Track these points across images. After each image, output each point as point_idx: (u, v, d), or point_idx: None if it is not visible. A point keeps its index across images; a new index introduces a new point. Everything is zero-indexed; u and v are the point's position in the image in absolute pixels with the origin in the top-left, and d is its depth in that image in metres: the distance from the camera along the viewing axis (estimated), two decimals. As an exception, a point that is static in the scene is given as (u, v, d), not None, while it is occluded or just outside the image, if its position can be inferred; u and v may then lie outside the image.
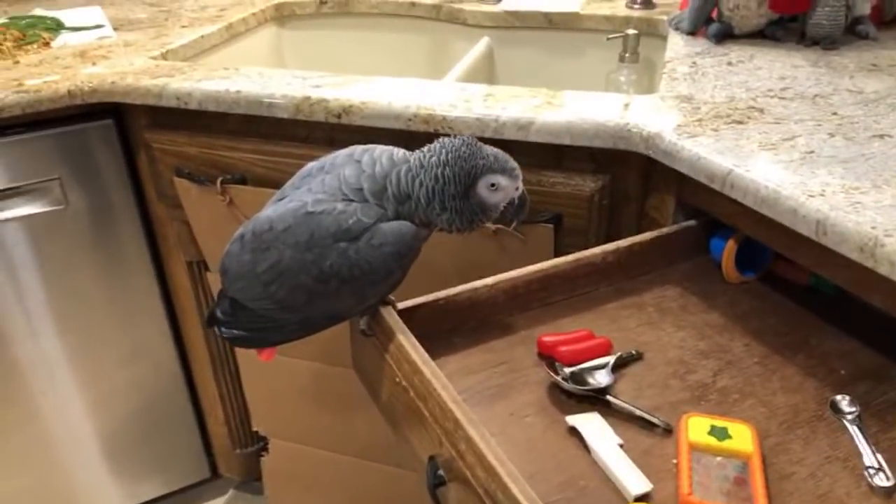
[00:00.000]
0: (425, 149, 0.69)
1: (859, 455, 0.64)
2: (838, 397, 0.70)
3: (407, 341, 0.65)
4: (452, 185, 0.67)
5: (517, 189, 0.71)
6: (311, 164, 0.73)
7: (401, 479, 1.31)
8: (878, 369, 0.75)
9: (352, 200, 0.67)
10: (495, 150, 0.70)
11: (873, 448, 0.64)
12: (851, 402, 0.69)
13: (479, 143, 0.70)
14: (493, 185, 0.69)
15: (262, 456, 1.48)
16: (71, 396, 1.34)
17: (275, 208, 0.70)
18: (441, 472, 0.59)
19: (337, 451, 1.37)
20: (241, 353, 1.36)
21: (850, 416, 0.68)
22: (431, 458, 0.60)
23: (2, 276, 1.19)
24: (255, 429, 1.46)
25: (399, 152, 0.71)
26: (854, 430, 0.66)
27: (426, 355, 0.64)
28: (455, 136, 0.70)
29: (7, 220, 1.15)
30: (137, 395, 1.41)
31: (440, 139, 0.70)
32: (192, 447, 1.53)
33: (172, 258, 1.30)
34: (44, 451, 1.36)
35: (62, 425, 1.36)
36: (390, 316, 0.69)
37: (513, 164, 0.70)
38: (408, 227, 0.68)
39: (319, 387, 1.30)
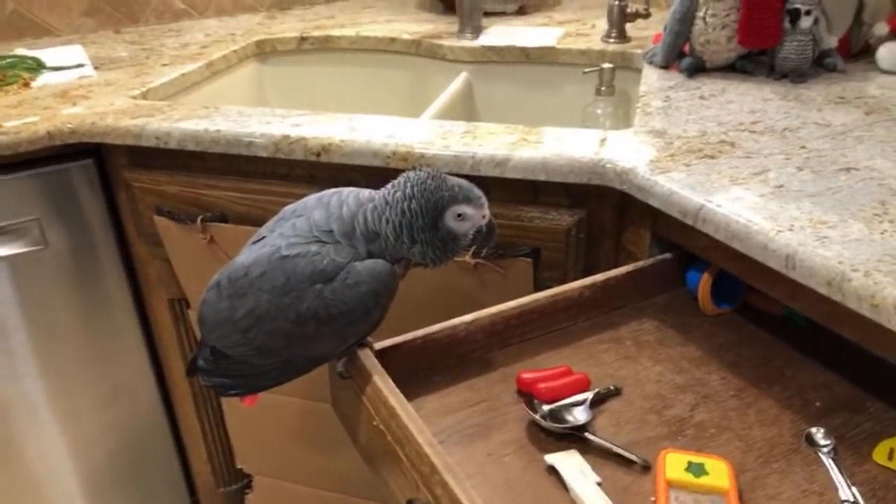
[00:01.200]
0: (390, 185, 0.71)
1: (835, 488, 0.65)
2: (813, 430, 0.71)
3: (384, 384, 0.66)
4: (420, 217, 0.68)
5: (484, 217, 0.72)
6: (285, 208, 0.74)
7: (385, 514, 1.30)
8: (852, 400, 0.75)
9: (325, 242, 0.68)
10: (459, 181, 0.71)
11: (848, 481, 0.65)
12: (826, 435, 0.70)
13: (444, 175, 0.71)
14: (459, 215, 0.70)
15: (246, 493, 1.46)
16: (52, 436, 1.32)
17: (248, 254, 0.71)
18: (418, 516, 0.59)
19: (320, 486, 1.36)
20: (223, 390, 1.35)
21: (825, 449, 0.69)
22: (409, 502, 0.60)
23: (-14, 315, 1.18)
24: (238, 466, 1.44)
25: (365, 192, 0.72)
26: (829, 463, 0.67)
27: (403, 398, 0.64)
28: (419, 170, 0.71)
29: (-11, 261, 1.14)
30: (119, 434, 1.39)
31: (405, 174, 0.71)
32: (175, 486, 1.51)
33: (154, 296, 1.29)
34: (25, 490, 1.34)
35: (43, 465, 1.34)
36: (367, 358, 0.69)
37: (477, 192, 0.71)
38: (382, 265, 0.68)
39: (303, 423, 1.30)
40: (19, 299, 1.19)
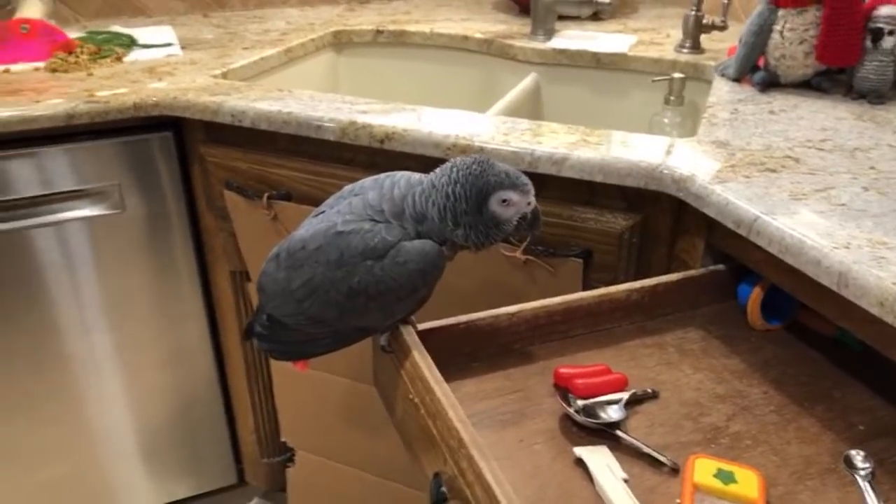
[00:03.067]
0: (438, 170, 0.73)
1: (868, 512, 0.63)
2: (853, 452, 0.69)
3: (422, 360, 0.68)
4: (464, 201, 0.70)
5: (529, 204, 0.73)
6: (345, 188, 0.77)
7: (421, 501, 1.32)
8: (898, 427, 0.74)
9: (377, 221, 0.71)
10: (507, 167, 0.72)
11: (883, 506, 0.63)
12: (866, 458, 0.68)
13: (491, 161, 0.72)
14: (504, 200, 0.71)
15: (287, 467, 1.51)
16: (114, 392, 1.40)
17: (307, 228, 0.74)
18: (444, 489, 0.61)
19: (360, 468, 1.39)
20: (274, 364, 1.40)
21: (863, 472, 0.67)
22: (436, 475, 0.62)
23: (63, 272, 1.26)
24: (283, 439, 1.49)
25: (416, 176, 0.74)
26: (865, 486, 0.66)
27: (438, 374, 0.66)
28: (468, 156, 0.73)
29: (71, 220, 1.23)
30: (175, 397, 1.46)
31: (452, 159, 0.73)
32: (222, 453, 1.58)
33: (217, 267, 1.35)
34: (84, 442, 1.43)
35: (104, 419, 1.42)
36: (409, 335, 0.72)
37: (524, 179, 0.72)
38: (430, 246, 0.70)
39: (348, 403, 1.33)
40: (96, 258, 1.27)
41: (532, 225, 0.74)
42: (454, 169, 0.71)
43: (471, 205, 0.70)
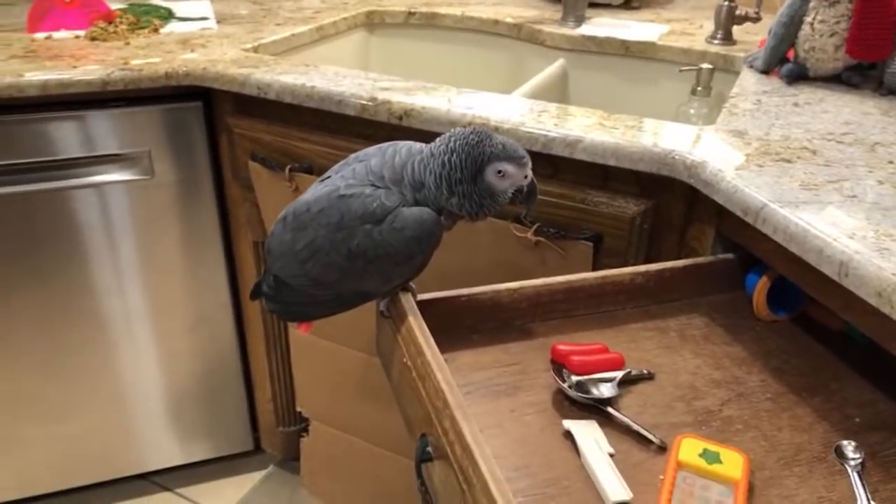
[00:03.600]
0: (438, 139, 0.74)
1: (854, 501, 0.63)
2: (844, 442, 0.69)
3: (416, 324, 0.70)
4: (459, 170, 0.71)
5: (525, 177, 0.74)
6: (351, 155, 0.79)
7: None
8: (894, 421, 0.73)
9: (377, 187, 0.72)
10: (504, 139, 0.73)
11: (869, 496, 0.63)
12: (857, 449, 0.68)
13: (490, 133, 0.73)
14: (500, 171, 0.72)
15: (302, 437, 1.54)
16: (141, 350, 1.46)
17: (312, 192, 0.77)
18: (429, 448, 0.63)
19: (373, 442, 1.41)
20: (293, 334, 1.43)
21: (853, 462, 0.67)
22: (423, 435, 0.64)
23: (99, 233, 1.31)
24: (298, 409, 1.53)
25: (417, 145, 0.76)
26: (854, 476, 0.66)
27: (431, 339, 0.68)
28: (467, 127, 0.74)
29: (105, 184, 1.27)
30: (197, 361, 1.51)
31: (452, 130, 0.75)
32: (240, 418, 1.62)
33: (240, 236, 1.39)
34: (111, 398, 1.48)
35: (130, 376, 1.47)
36: (406, 301, 0.74)
37: (521, 152, 0.73)
38: (427, 214, 0.72)
39: (364, 377, 1.35)
40: (130, 221, 1.32)
41: (528, 199, 0.75)
42: (452, 138, 0.72)
43: (466, 174, 0.71)
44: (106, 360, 1.44)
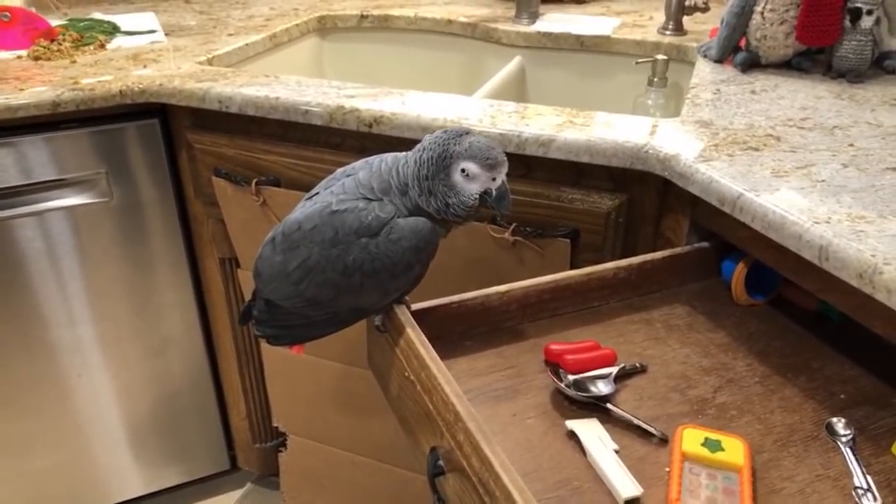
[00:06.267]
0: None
1: (850, 475, 0.66)
2: (834, 419, 0.72)
3: (416, 337, 0.69)
4: (426, 167, 0.71)
5: (494, 180, 0.72)
6: (338, 170, 0.78)
7: (413, 482, 1.34)
8: (878, 396, 0.76)
9: (370, 199, 0.72)
10: (480, 141, 0.71)
11: (864, 470, 0.66)
12: (847, 426, 0.71)
13: (464, 134, 0.72)
14: (463, 170, 0.71)
15: (280, 451, 1.52)
16: (102, 381, 1.41)
17: (302, 210, 0.75)
18: (441, 462, 0.62)
19: (353, 451, 1.40)
20: (266, 349, 1.41)
21: (844, 439, 0.70)
22: (433, 449, 0.64)
23: (46, 262, 1.26)
24: (275, 424, 1.50)
25: (402, 154, 0.75)
26: (847, 452, 0.68)
27: (433, 352, 0.67)
28: (450, 128, 0.73)
29: (54, 210, 1.22)
30: (165, 385, 1.46)
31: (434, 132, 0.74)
32: (214, 439, 1.59)
33: (206, 254, 1.36)
34: (73, 431, 1.43)
35: (92, 408, 1.42)
36: (403, 314, 0.73)
37: (492, 154, 0.71)
38: (423, 223, 0.72)
39: (340, 387, 1.34)
40: (81, 249, 1.27)
41: (497, 202, 0.73)
42: (429, 138, 0.72)
43: (432, 171, 0.70)
44: (66, 393, 1.39)
